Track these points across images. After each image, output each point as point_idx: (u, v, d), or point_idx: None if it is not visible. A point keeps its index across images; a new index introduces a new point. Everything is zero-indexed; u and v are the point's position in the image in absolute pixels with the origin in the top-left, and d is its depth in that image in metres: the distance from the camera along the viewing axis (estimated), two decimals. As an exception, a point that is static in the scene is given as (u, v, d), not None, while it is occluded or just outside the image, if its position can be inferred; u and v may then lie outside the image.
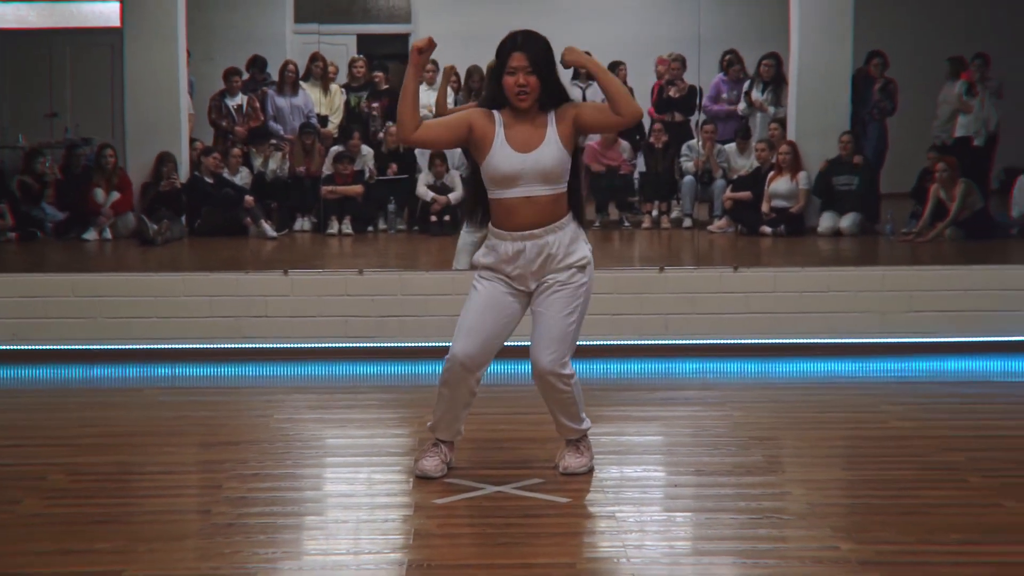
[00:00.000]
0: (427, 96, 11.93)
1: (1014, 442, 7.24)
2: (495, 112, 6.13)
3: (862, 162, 11.23)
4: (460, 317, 6.25)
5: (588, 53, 6.20)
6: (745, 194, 11.61)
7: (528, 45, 6.00)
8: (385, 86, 11.94)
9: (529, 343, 6.27)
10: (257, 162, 11.67)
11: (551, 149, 6.06)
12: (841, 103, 11.52)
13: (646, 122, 11.95)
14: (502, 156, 6.05)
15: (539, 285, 6.20)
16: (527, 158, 6.04)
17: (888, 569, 5.18)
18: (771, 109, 11.86)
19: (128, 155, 11.31)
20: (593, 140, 11.75)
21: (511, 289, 6.22)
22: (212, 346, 9.57)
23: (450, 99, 11.87)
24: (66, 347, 9.52)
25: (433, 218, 11.47)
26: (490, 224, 6.23)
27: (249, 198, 11.38)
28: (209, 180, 11.37)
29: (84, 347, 9.53)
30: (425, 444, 6.46)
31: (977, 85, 11.22)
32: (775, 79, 11.81)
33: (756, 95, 11.85)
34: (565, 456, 6.44)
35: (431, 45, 6.05)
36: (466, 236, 9.67)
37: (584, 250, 6.25)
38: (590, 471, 6.41)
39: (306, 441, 7.52)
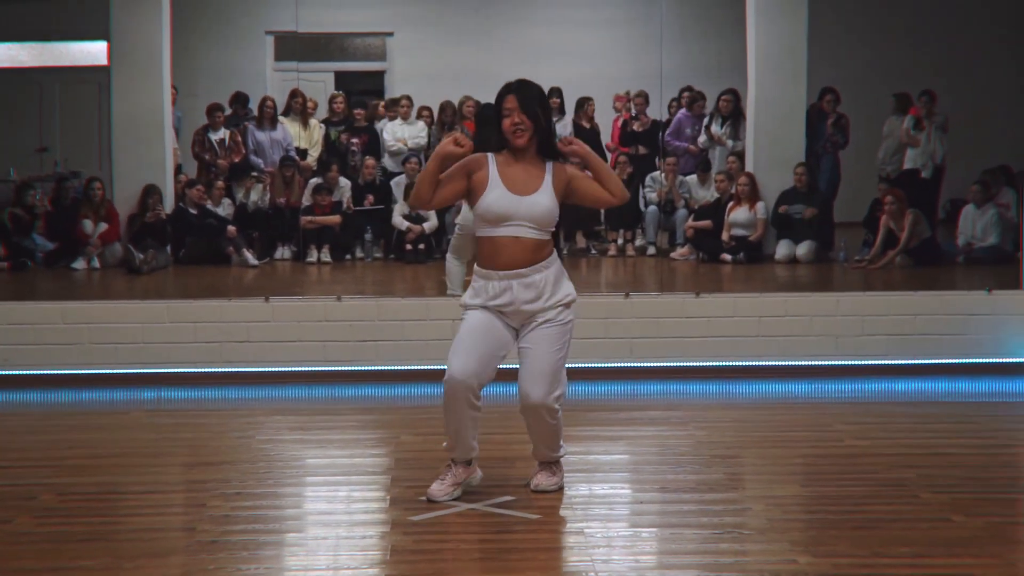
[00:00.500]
0: (402, 130, 11.97)
1: (962, 459, 7.26)
2: (489, 155, 6.20)
3: (814, 214, 11.23)
4: (454, 343, 6.20)
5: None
6: (706, 223, 11.64)
7: (520, 89, 6.10)
8: (364, 123, 11.96)
9: (514, 374, 6.28)
10: (239, 193, 11.66)
11: (546, 198, 6.13)
12: (796, 137, 11.57)
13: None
14: (496, 196, 6.10)
15: (528, 322, 6.20)
16: (522, 201, 6.10)
17: (844, 581, 5.19)
18: (729, 143, 11.91)
19: (115, 187, 11.29)
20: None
21: (501, 319, 6.19)
22: (196, 370, 9.55)
23: (423, 133, 11.93)
24: (55, 372, 9.49)
25: (408, 246, 11.47)
26: (475, 266, 6.24)
27: (231, 228, 11.37)
28: (193, 211, 11.36)
29: (72, 372, 9.49)
30: (444, 470, 6.39)
31: (924, 120, 11.29)
32: (733, 114, 11.86)
33: (715, 129, 11.90)
34: (538, 475, 6.44)
35: (466, 148, 6.10)
36: (452, 260, 9.69)
37: (569, 288, 6.28)
38: (560, 489, 6.40)
39: (287, 461, 7.49)
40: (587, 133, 11.78)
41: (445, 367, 6.17)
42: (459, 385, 6.12)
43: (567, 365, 6.34)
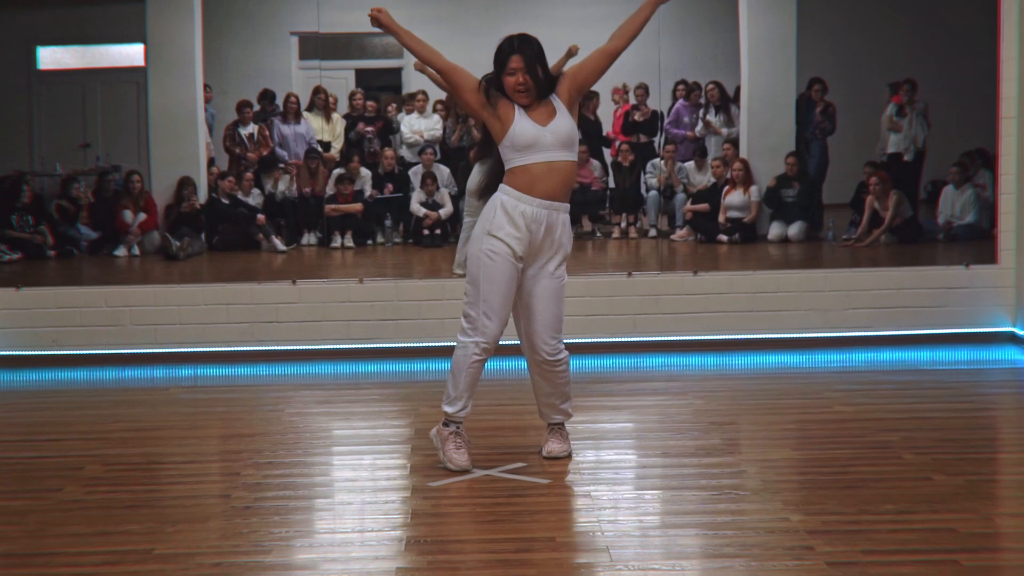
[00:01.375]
0: (419, 123, 11.95)
1: (941, 423, 7.27)
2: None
3: (804, 191, 11.20)
4: (484, 291, 6.10)
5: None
6: (703, 206, 11.61)
7: (522, 47, 6.06)
8: (374, 115, 11.94)
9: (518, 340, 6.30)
10: (267, 184, 11.65)
11: (564, 120, 6.10)
12: (787, 124, 11.54)
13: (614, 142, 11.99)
14: (524, 125, 6.04)
15: (533, 263, 6.18)
16: (546, 129, 6.05)
17: (832, 536, 5.20)
18: (724, 131, 11.87)
19: (153, 180, 11.29)
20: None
21: (515, 261, 6.12)
22: (229, 349, 9.58)
23: (438, 126, 11.91)
24: (100, 352, 9.53)
25: (425, 232, 11.46)
26: (509, 190, 6.08)
27: (261, 216, 11.37)
28: (225, 201, 11.36)
29: (115, 351, 9.53)
30: (444, 435, 6.34)
31: (906, 107, 11.26)
32: (721, 101, 11.82)
33: (711, 119, 11.87)
34: (550, 441, 6.45)
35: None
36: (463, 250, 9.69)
37: (571, 243, 6.31)
38: (569, 456, 6.44)
39: (314, 432, 7.52)
40: (591, 125, 11.78)
41: (465, 321, 6.17)
42: (491, 349, 6.16)
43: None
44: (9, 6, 10.69)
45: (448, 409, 6.27)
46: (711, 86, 11.90)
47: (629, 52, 11.91)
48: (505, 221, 6.07)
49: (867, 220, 11.09)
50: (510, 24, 6.07)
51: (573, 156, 6.14)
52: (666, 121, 12.02)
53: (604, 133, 12.12)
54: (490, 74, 6.15)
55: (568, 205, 6.19)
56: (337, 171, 11.71)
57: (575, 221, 11.91)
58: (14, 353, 9.50)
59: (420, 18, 12.26)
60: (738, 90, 11.77)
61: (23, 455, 7.01)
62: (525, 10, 11.92)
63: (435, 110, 12.01)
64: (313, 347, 9.60)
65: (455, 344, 6.24)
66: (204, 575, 4.92)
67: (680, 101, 12.08)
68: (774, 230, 11.46)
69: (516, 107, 6.09)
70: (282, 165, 11.71)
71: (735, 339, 9.67)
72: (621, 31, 6.37)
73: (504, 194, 6.09)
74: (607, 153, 12.12)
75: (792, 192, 11.39)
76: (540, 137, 6.04)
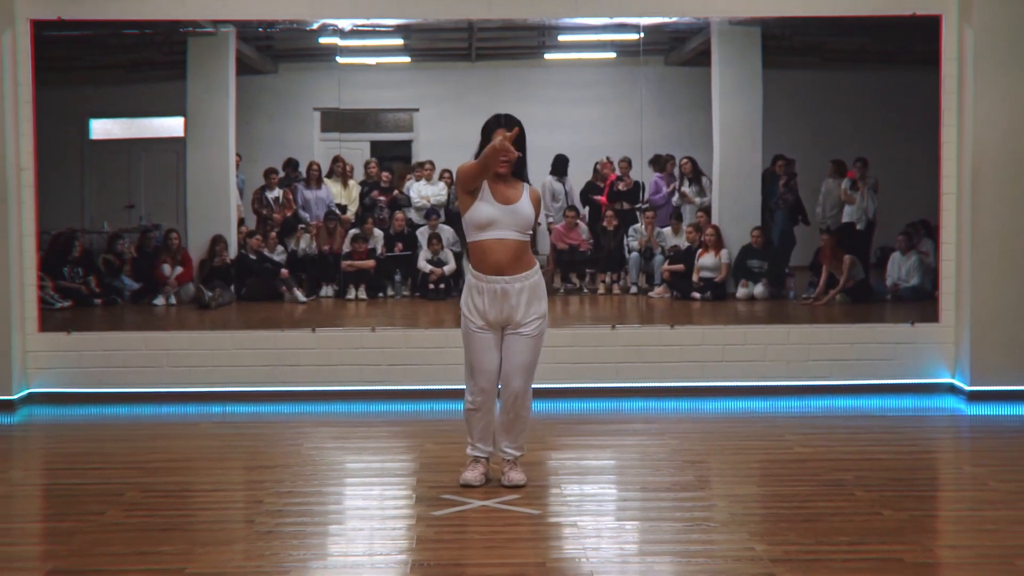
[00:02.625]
0: (426, 189, 12.00)
1: (889, 463, 7.28)
2: None
3: (765, 268, 11.22)
4: (468, 357, 6.43)
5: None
6: (679, 267, 11.64)
7: (509, 124, 6.27)
8: (386, 184, 12.00)
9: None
10: (291, 242, 11.67)
11: (525, 205, 6.29)
12: (753, 195, 11.58)
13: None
14: (487, 204, 6.23)
15: (509, 325, 6.37)
16: (507, 208, 6.24)
17: (793, 565, 5.20)
18: (696, 200, 11.91)
19: (189, 237, 11.31)
20: (559, 224, 11.80)
21: (491, 329, 6.37)
22: (254, 389, 9.57)
23: (443, 192, 11.96)
24: (139, 390, 9.52)
25: (431, 286, 11.48)
26: (470, 270, 6.35)
27: (284, 271, 11.38)
28: (253, 256, 11.37)
29: (153, 390, 9.52)
30: (467, 463, 6.65)
31: (859, 182, 11.30)
32: (694, 173, 11.87)
33: (686, 190, 11.91)
34: (508, 473, 6.56)
35: (512, 156, 6.19)
36: None
37: (545, 304, 6.43)
38: (525, 485, 6.54)
39: (329, 465, 7.51)
40: (597, 190, 11.89)
41: (463, 387, 6.51)
42: (484, 401, 6.44)
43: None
44: (66, 83, 10.75)
45: (467, 450, 6.65)
46: (685, 160, 11.97)
47: (615, 128, 12.01)
48: (472, 299, 6.35)
49: (824, 281, 11.14)
50: (507, 102, 6.16)
51: (524, 237, 6.31)
52: (647, 193, 12.07)
53: (596, 197, 12.20)
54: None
55: (528, 275, 6.32)
56: (353, 231, 11.75)
57: (565, 278, 11.96)
58: (64, 391, 9.49)
59: (429, 96, 12.38)
60: (698, 163, 11.86)
61: (70, 482, 7.00)
62: (520, 90, 12.01)
63: (441, 178, 12.07)
64: (329, 388, 9.59)
65: (461, 388, 6.57)
66: (231, 592, 4.91)
67: (656, 175, 12.14)
68: (742, 289, 11.49)
69: (484, 190, 6.25)
70: (303, 226, 11.74)
71: (707, 386, 9.67)
72: None
73: (469, 274, 6.38)
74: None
75: (758, 264, 11.44)
76: (497, 218, 6.23)
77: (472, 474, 6.55)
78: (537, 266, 6.43)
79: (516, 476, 6.54)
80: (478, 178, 6.24)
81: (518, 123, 6.31)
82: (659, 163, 12.07)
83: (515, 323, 6.36)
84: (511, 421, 6.50)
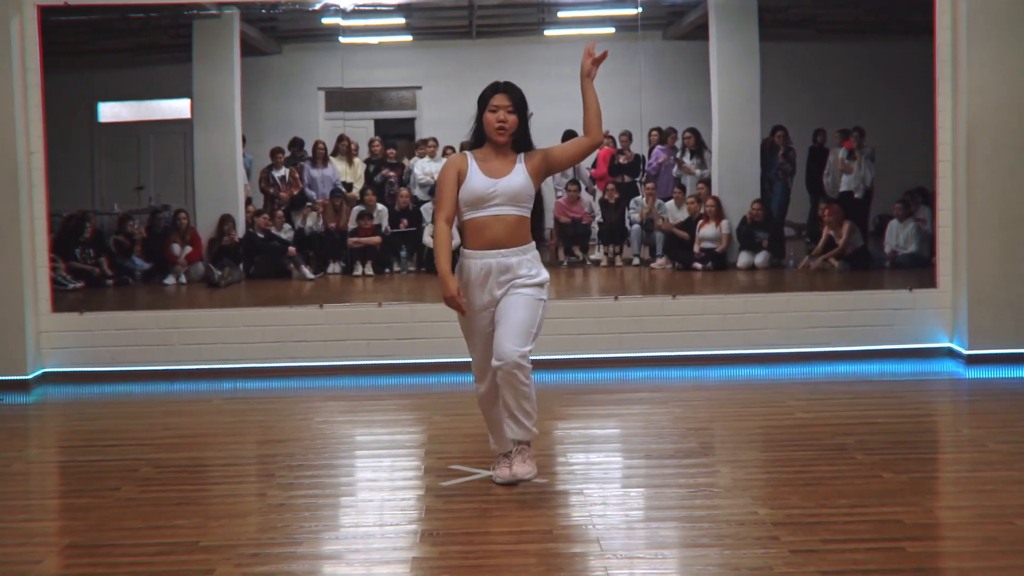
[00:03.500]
0: (430, 166, 11.99)
1: (889, 427, 7.28)
2: (467, 154, 5.75)
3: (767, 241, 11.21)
4: (469, 342, 5.88)
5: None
6: (683, 234, 11.63)
7: (510, 89, 5.71)
8: (394, 160, 11.99)
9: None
10: (297, 220, 11.68)
11: (519, 177, 5.67)
12: (753, 166, 11.56)
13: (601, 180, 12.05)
14: (475, 180, 5.65)
15: (504, 293, 5.71)
16: (498, 182, 5.64)
17: (795, 528, 5.21)
18: (697, 172, 11.90)
19: (197, 217, 11.31)
20: (561, 198, 11.79)
21: (482, 312, 5.77)
22: (264, 365, 9.59)
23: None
24: (152, 368, 9.54)
25: (436, 261, 11.49)
26: (463, 250, 5.77)
27: (292, 248, 11.38)
28: (260, 235, 11.37)
29: (165, 368, 9.54)
30: (497, 461, 6.09)
31: (856, 151, 11.28)
32: (696, 146, 11.85)
33: (686, 161, 11.90)
34: (514, 463, 5.85)
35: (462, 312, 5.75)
36: None
37: (545, 273, 5.77)
38: (534, 478, 5.92)
39: (339, 438, 7.53)
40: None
41: (470, 359, 5.96)
42: (489, 393, 5.91)
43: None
44: (74, 67, 10.74)
45: (495, 448, 6.12)
46: (687, 133, 11.94)
47: (615, 103, 11.96)
48: (464, 279, 5.77)
49: (823, 244, 11.16)
50: (508, 78, 5.99)
51: (523, 211, 5.73)
52: (647, 164, 12.05)
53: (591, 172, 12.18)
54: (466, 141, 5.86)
55: (524, 249, 5.71)
56: (358, 208, 11.75)
57: (568, 251, 11.95)
58: (78, 370, 9.51)
59: (431, 74, 12.36)
60: (701, 135, 11.85)
61: (86, 459, 7.03)
62: (521, 66, 11.97)
63: (444, 155, 12.05)
64: (338, 363, 9.60)
65: (467, 360, 6.06)
66: (244, 564, 4.93)
67: (658, 147, 12.11)
68: (742, 259, 11.48)
69: (470, 167, 5.70)
70: (310, 204, 11.74)
71: (709, 355, 9.67)
72: (588, 122, 5.80)
73: (461, 256, 5.80)
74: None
75: (764, 235, 11.43)
76: (490, 192, 5.66)
77: (502, 471, 6.00)
78: (534, 244, 5.80)
79: (520, 469, 5.82)
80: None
81: (518, 90, 5.75)
82: (662, 135, 12.06)
83: (513, 286, 5.71)
84: (508, 397, 5.66)
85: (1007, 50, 9.26)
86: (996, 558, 4.82)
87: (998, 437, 6.94)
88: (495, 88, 5.71)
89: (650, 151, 12.10)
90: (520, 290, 5.70)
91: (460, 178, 5.69)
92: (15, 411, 8.61)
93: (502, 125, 5.63)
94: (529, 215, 5.77)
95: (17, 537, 5.41)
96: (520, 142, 5.75)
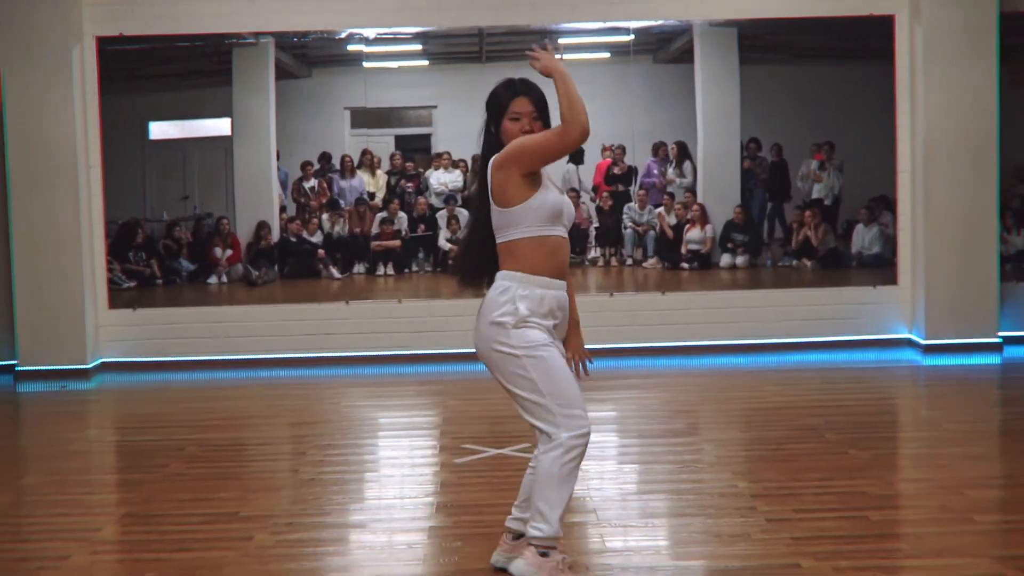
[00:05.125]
0: (444, 177, 12.01)
1: (855, 409, 7.29)
2: None
3: (747, 241, 11.22)
4: (551, 384, 3.96)
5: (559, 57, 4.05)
6: (669, 234, 11.63)
7: (530, 91, 4.07)
8: (412, 172, 12.01)
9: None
10: (327, 226, 11.71)
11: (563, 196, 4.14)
12: (733, 175, 11.57)
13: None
14: (551, 193, 4.03)
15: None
16: (565, 200, 4.08)
17: (770, 499, 5.23)
18: (677, 180, 11.89)
19: (237, 223, 11.33)
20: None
21: (556, 340, 4.11)
22: (296, 355, 9.62)
23: (459, 179, 11.96)
24: (196, 358, 9.56)
25: (450, 262, 11.51)
26: (523, 275, 3.98)
27: (321, 251, 11.41)
28: (293, 239, 11.40)
29: (208, 358, 9.57)
30: (550, 562, 4.07)
31: (826, 163, 11.29)
32: (679, 156, 11.85)
33: (671, 174, 11.90)
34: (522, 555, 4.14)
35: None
36: None
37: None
38: None
39: (363, 420, 7.56)
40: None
41: (564, 412, 4.00)
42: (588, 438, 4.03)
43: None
44: (128, 91, 10.77)
45: (551, 531, 4.06)
46: (672, 145, 11.96)
47: (609, 119, 11.95)
48: (529, 309, 3.99)
49: (800, 242, 11.18)
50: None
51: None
52: (640, 175, 12.07)
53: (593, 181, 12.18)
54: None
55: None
56: (380, 215, 11.77)
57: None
58: (131, 360, 9.54)
59: (445, 94, 12.38)
60: (688, 147, 11.86)
61: (139, 439, 7.06)
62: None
63: (456, 166, 12.07)
64: (362, 354, 9.62)
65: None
66: (279, 532, 4.96)
67: (651, 158, 12.13)
68: (725, 259, 11.49)
69: (542, 172, 4.05)
70: (337, 211, 11.76)
71: (695, 345, 9.68)
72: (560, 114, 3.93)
73: (517, 281, 4.00)
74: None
75: (744, 237, 11.44)
76: (562, 207, 4.05)
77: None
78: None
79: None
80: (548, 160, 3.97)
81: (537, 89, 4.10)
82: (655, 149, 12.08)
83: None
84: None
85: (959, 74, 9.29)
86: (949, 524, 4.84)
87: (952, 418, 6.95)
88: (512, 92, 4.07)
89: (650, 162, 12.12)
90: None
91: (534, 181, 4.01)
92: (76, 396, 8.65)
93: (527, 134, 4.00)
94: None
95: (80, 508, 5.44)
96: None
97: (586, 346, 4.34)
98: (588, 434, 4.02)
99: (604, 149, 12.18)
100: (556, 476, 3.99)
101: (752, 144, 11.64)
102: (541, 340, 3.99)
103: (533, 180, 4.00)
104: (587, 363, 4.27)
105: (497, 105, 4.08)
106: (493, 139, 4.10)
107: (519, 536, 4.29)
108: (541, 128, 4.03)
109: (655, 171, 12.16)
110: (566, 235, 4.09)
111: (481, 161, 4.14)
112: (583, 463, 4.17)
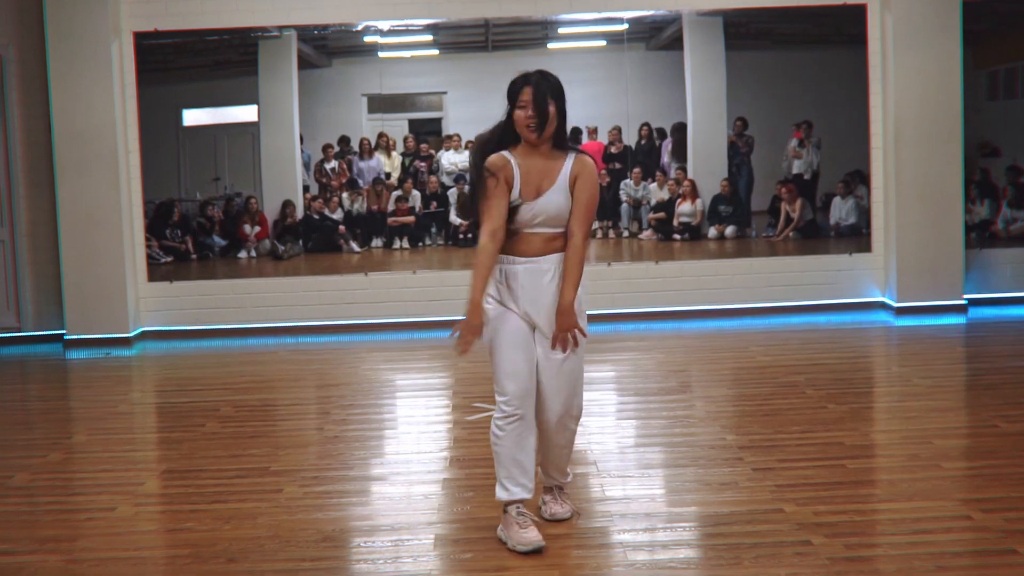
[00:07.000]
0: (455, 158, 11.96)
1: (834, 367, 7.30)
2: (506, 153, 4.09)
3: (734, 211, 11.19)
4: (494, 359, 4.23)
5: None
6: (661, 214, 11.60)
7: (537, 81, 4.05)
8: (425, 153, 11.96)
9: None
10: (347, 204, 11.68)
11: (558, 195, 4.05)
12: (721, 153, 11.53)
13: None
14: (516, 201, 4.05)
15: (541, 339, 4.18)
16: (535, 204, 4.04)
17: (756, 450, 5.24)
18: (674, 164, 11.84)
19: (265, 202, 11.31)
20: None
21: (510, 311, 4.24)
22: (320, 323, 9.64)
23: (467, 160, 11.89)
24: (228, 326, 9.59)
25: (460, 236, 11.50)
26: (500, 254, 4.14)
27: (342, 227, 11.39)
28: (316, 216, 11.38)
29: (239, 326, 9.59)
30: (507, 519, 4.14)
31: (805, 140, 11.24)
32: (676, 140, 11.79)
33: (664, 157, 11.86)
34: (550, 505, 4.40)
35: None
36: None
37: (573, 316, 4.11)
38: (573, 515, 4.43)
39: (383, 382, 7.58)
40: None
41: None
42: (519, 413, 4.10)
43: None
44: (163, 81, 10.73)
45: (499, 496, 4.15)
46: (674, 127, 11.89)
47: (605, 102, 11.88)
48: (497, 293, 4.28)
49: (782, 221, 11.12)
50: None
51: (556, 229, 4.09)
52: (661, 154, 12.01)
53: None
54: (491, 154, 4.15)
55: (551, 259, 4.09)
56: (396, 193, 11.74)
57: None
58: (169, 328, 9.57)
59: (455, 81, 12.31)
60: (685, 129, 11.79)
61: (178, 400, 7.09)
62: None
63: (466, 147, 12.02)
64: (380, 321, 9.64)
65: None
66: (306, 485, 4.98)
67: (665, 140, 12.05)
68: (714, 231, 11.46)
69: (516, 176, 4.03)
70: (357, 190, 11.74)
71: (686, 310, 9.69)
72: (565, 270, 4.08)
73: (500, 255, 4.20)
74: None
75: (728, 208, 11.40)
76: (529, 217, 4.05)
77: (529, 534, 4.06)
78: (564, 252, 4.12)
79: (558, 508, 4.40)
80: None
81: (546, 83, 4.08)
82: (663, 134, 12.03)
83: (544, 334, 4.18)
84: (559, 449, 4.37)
85: (926, 57, 9.25)
86: (918, 471, 4.85)
87: (921, 374, 6.95)
88: (525, 80, 4.07)
89: (660, 144, 12.07)
90: (561, 365, 4.22)
91: (506, 181, 4.05)
92: (120, 362, 8.68)
93: (530, 120, 4.02)
94: (563, 231, 4.15)
95: (125, 464, 5.47)
96: (560, 139, 4.12)
97: (586, 312, 4.24)
98: (506, 417, 4.06)
99: (590, 132, 12.12)
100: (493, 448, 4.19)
101: (738, 122, 11.58)
102: (492, 314, 4.26)
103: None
104: (574, 337, 4.06)
105: (510, 94, 4.14)
106: (507, 123, 4.15)
107: (548, 489, 4.48)
108: (539, 116, 4.03)
109: (665, 159, 12.12)
110: (536, 231, 4.12)
111: (489, 149, 4.16)
112: (585, 418, 4.31)
